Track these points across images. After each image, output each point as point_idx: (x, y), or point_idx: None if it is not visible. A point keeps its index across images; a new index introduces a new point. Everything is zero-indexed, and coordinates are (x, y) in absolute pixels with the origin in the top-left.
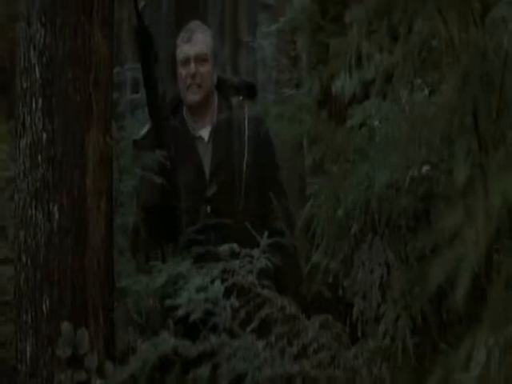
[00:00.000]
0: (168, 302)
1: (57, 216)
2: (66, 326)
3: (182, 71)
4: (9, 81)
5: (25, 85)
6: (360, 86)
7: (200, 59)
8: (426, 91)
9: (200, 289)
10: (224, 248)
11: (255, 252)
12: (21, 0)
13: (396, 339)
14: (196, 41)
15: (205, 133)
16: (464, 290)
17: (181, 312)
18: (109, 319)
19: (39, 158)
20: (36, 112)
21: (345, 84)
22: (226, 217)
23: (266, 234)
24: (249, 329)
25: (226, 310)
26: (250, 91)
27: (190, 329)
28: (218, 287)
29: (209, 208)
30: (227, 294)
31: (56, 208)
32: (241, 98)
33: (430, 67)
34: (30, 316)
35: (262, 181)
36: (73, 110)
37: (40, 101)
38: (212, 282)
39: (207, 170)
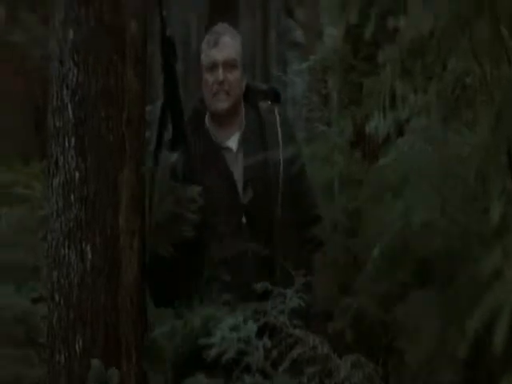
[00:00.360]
0: (202, 341)
1: (90, 255)
2: (96, 364)
3: (209, 77)
4: (42, 119)
5: (57, 124)
6: (394, 125)
7: (228, 65)
8: (461, 129)
9: (233, 328)
10: (259, 286)
11: (288, 292)
12: (53, 38)
13: None
14: (224, 45)
15: (232, 143)
16: (503, 335)
17: (214, 351)
18: (141, 358)
19: (72, 197)
20: (69, 151)
21: (379, 124)
22: (261, 229)
23: (301, 272)
24: (281, 369)
25: (259, 349)
26: (276, 97)
27: (222, 368)
28: (251, 327)
29: (244, 219)
30: (260, 333)
31: (89, 247)
32: (269, 102)
33: (464, 105)
34: (63, 356)
35: (298, 191)
36: (105, 148)
37: (73, 140)
38: (245, 321)
39: (239, 183)
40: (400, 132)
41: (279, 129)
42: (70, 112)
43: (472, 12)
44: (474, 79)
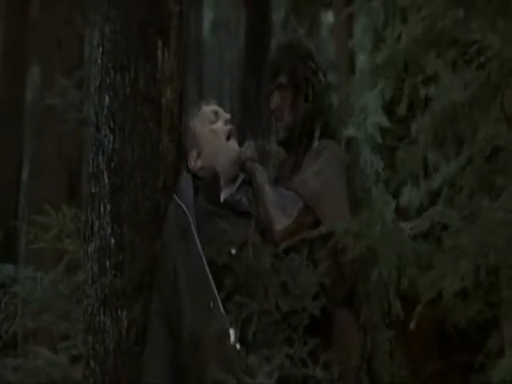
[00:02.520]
0: None
1: (125, 322)
2: None
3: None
4: (76, 183)
5: (93, 189)
6: (427, 195)
7: None
8: (493, 195)
9: None
10: None
11: None
12: (89, 104)
13: None
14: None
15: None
16: None
17: None
18: None
19: (107, 263)
20: (104, 217)
21: (412, 193)
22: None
23: None
24: None
25: None
26: None
27: None
28: None
29: (233, 251)
30: None
31: (124, 314)
32: None
33: (496, 171)
34: None
35: None
36: (141, 215)
37: (108, 206)
38: None
39: None
40: (432, 202)
41: None
42: (106, 178)
43: (501, 77)
44: (506, 144)
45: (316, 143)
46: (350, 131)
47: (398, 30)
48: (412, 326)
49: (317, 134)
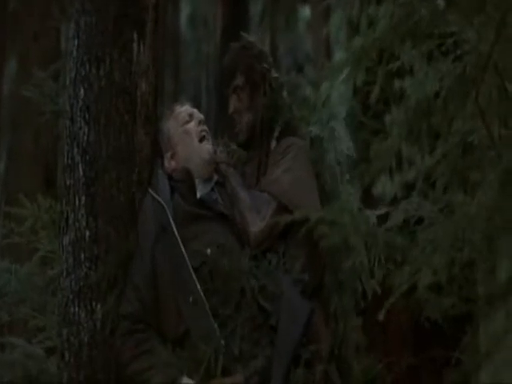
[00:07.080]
0: None
1: (100, 314)
2: None
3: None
4: (52, 176)
5: (68, 182)
6: (401, 187)
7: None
8: (468, 190)
9: None
10: None
11: None
12: (65, 96)
13: None
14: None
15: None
16: None
17: None
18: None
19: (82, 255)
20: (79, 209)
21: (386, 186)
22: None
23: None
24: None
25: None
26: None
27: None
28: None
29: (209, 250)
30: None
31: (99, 307)
32: None
33: (470, 165)
34: None
35: None
36: (116, 208)
37: (83, 198)
38: None
39: None
40: (407, 195)
41: None
42: (81, 171)
43: (477, 71)
44: (481, 138)
45: (274, 143)
46: (313, 126)
47: (372, 16)
48: (381, 317)
49: (275, 134)
